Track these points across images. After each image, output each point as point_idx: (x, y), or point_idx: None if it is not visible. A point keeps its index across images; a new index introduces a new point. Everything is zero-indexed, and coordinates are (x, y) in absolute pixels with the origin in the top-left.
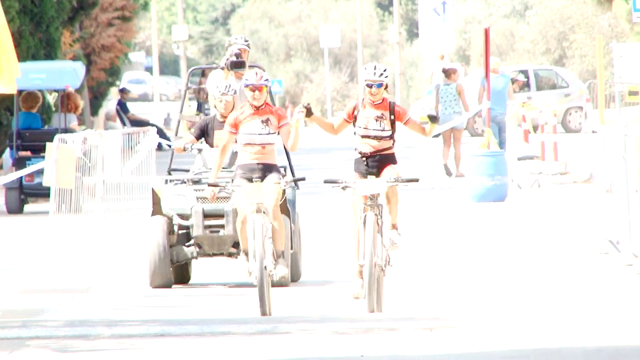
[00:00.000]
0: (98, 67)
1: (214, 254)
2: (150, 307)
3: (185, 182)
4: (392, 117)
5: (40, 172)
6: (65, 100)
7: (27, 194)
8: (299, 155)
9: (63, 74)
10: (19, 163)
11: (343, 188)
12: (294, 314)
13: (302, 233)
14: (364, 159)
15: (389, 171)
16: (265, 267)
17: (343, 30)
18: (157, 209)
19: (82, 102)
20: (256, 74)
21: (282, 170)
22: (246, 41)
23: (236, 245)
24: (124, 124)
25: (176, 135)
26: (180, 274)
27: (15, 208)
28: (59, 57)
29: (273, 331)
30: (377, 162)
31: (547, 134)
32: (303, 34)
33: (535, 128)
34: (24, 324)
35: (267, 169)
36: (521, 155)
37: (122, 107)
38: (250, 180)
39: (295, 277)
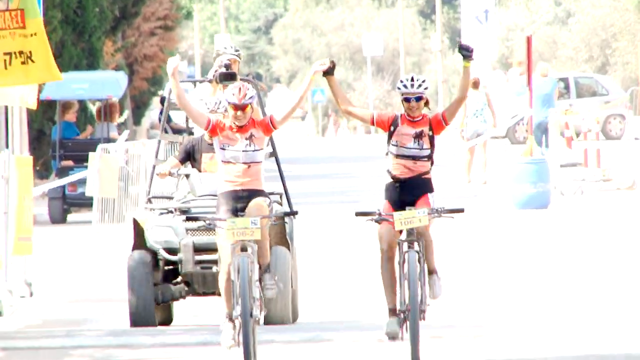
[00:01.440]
0: (140, 77)
1: (205, 293)
2: (192, 316)
3: (172, 212)
4: (431, 132)
5: (83, 182)
6: (108, 110)
7: (70, 203)
8: (324, 164)
9: (105, 83)
10: (62, 173)
11: (378, 222)
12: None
13: (299, 269)
14: (397, 183)
15: (424, 201)
16: (251, 314)
17: (385, 38)
18: (139, 242)
19: (127, 112)
20: (239, 90)
21: (277, 198)
22: (237, 51)
23: None
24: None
25: (156, 157)
26: (163, 314)
27: (59, 218)
28: (102, 67)
29: (315, 339)
30: (413, 189)
31: (590, 140)
32: (346, 43)
33: (577, 135)
34: (67, 333)
35: (254, 197)
36: (564, 162)
37: None
38: (235, 212)
39: (293, 317)
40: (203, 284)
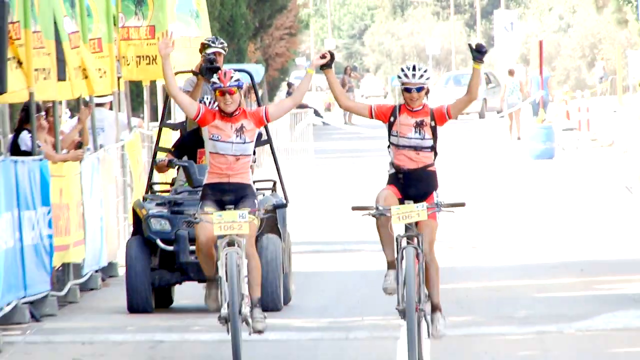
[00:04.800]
0: (273, 68)
1: (200, 280)
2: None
3: (167, 204)
4: (433, 122)
5: None
6: (249, 91)
7: None
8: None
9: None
10: None
11: (375, 216)
12: None
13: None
14: (401, 174)
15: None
16: (240, 312)
17: (442, 42)
18: (138, 229)
19: (263, 92)
20: (225, 74)
21: (270, 184)
22: (222, 43)
23: None
24: None
25: (156, 145)
26: (162, 297)
27: None
28: (246, 61)
29: None
30: (417, 182)
31: (582, 112)
32: (414, 45)
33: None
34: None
35: (241, 191)
36: (564, 127)
37: (290, 95)
38: (220, 203)
39: (285, 300)
40: (198, 272)
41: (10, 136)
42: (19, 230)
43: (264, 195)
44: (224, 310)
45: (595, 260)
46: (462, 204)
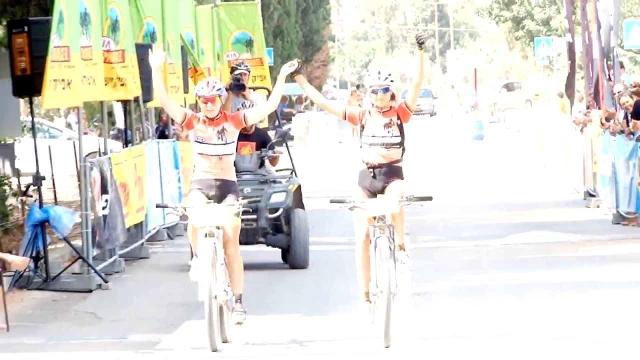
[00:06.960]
0: (314, 85)
1: (246, 242)
2: None
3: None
4: (399, 121)
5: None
6: (299, 99)
7: None
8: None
9: (297, 88)
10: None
11: (351, 209)
12: None
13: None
14: (371, 170)
15: (394, 187)
16: (216, 296)
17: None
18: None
19: (307, 101)
20: (207, 84)
21: (287, 173)
22: (246, 67)
23: (265, 235)
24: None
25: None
26: None
27: None
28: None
29: None
30: (384, 176)
31: (500, 111)
32: (398, 71)
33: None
34: None
35: (225, 188)
36: (490, 120)
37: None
38: (207, 197)
39: (304, 265)
40: (244, 236)
41: (155, 125)
42: (160, 184)
43: (290, 178)
44: (200, 295)
45: (511, 201)
46: (430, 198)
